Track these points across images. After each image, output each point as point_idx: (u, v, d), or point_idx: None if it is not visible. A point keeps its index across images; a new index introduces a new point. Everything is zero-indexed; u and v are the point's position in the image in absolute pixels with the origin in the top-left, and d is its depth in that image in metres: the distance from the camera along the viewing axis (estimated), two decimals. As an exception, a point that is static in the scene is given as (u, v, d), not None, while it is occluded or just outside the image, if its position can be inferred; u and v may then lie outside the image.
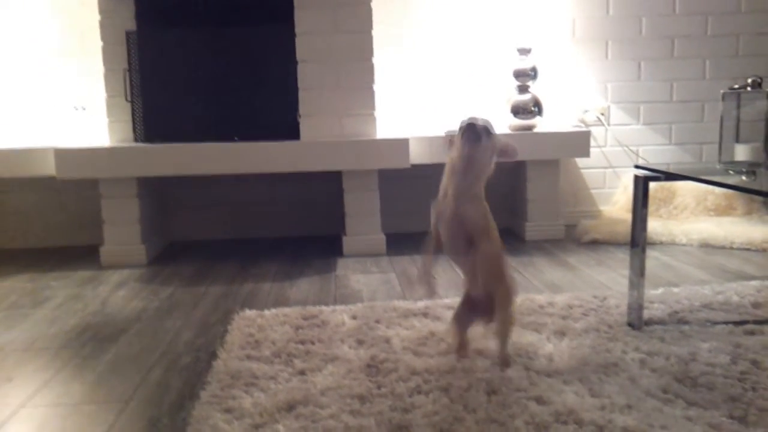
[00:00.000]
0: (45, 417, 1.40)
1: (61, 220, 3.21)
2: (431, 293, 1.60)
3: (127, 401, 1.46)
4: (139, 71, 2.84)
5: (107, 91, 2.87)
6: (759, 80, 2.14)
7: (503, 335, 1.55)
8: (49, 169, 2.78)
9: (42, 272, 2.67)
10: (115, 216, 2.80)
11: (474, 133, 1.48)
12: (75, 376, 1.61)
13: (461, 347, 1.61)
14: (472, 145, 1.48)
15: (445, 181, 1.53)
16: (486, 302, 1.56)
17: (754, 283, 2.17)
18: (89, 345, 1.82)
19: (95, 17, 2.83)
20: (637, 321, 1.77)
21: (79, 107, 3.15)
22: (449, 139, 1.55)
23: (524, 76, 3.10)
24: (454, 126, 1.54)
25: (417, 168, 2.86)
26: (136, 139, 2.88)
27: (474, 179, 1.50)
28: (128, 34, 2.82)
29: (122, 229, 2.80)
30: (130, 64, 2.83)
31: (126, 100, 2.85)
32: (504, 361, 1.52)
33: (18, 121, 3.14)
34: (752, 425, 1.23)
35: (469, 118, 1.50)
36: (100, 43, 2.84)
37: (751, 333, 1.70)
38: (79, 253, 2.98)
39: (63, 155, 2.71)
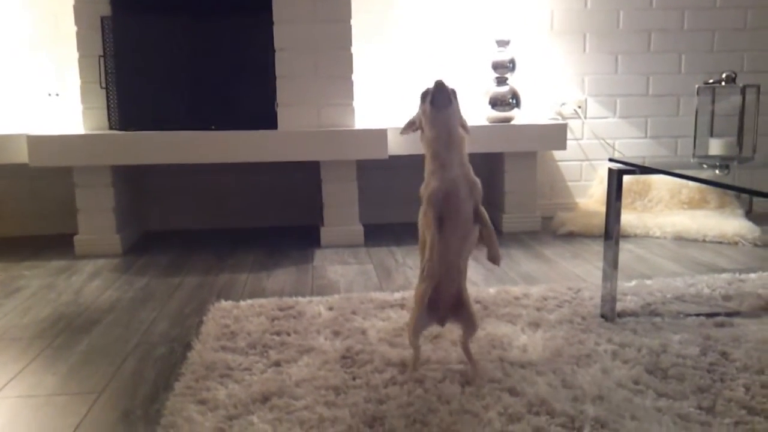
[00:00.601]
0: (16, 408, 1.38)
1: (34, 208, 3.17)
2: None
3: (100, 392, 1.45)
4: (114, 58, 2.80)
5: (82, 77, 2.83)
6: (733, 75, 2.16)
7: (475, 327, 1.49)
8: (22, 156, 2.73)
9: (15, 261, 2.63)
10: (89, 205, 2.77)
11: (445, 95, 1.41)
12: (47, 366, 1.59)
13: (419, 362, 1.49)
14: (446, 110, 1.40)
15: (434, 165, 1.40)
16: (450, 290, 1.44)
17: (725, 275, 2.20)
18: (62, 335, 1.80)
19: (69, 2, 2.78)
20: (610, 313, 1.79)
21: (53, 93, 3.10)
22: (410, 123, 1.47)
23: (502, 68, 3.10)
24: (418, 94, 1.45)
25: (395, 159, 2.86)
26: (111, 127, 2.84)
27: (461, 145, 1.41)
28: (103, 19, 2.77)
29: (97, 218, 2.77)
30: (105, 50, 2.79)
31: (101, 87, 2.81)
32: (475, 368, 1.47)
33: (-10, 108, 3.09)
34: (720, 415, 1.26)
35: (437, 81, 1.41)
36: (74, 29, 2.79)
37: (721, 325, 1.73)
38: (52, 243, 2.94)
39: (36, 142, 2.67)
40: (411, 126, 1.49)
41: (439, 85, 1.41)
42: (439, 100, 1.41)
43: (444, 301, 1.45)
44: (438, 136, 1.40)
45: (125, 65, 2.81)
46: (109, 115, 2.84)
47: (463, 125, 1.45)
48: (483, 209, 1.42)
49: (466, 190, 1.39)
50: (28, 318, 1.95)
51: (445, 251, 1.40)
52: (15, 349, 1.71)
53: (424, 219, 1.42)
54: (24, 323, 1.91)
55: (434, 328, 1.55)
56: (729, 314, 1.81)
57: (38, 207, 3.16)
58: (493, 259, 1.42)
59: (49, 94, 3.09)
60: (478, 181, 1.42)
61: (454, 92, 1.44)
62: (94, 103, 2.84)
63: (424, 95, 1.44)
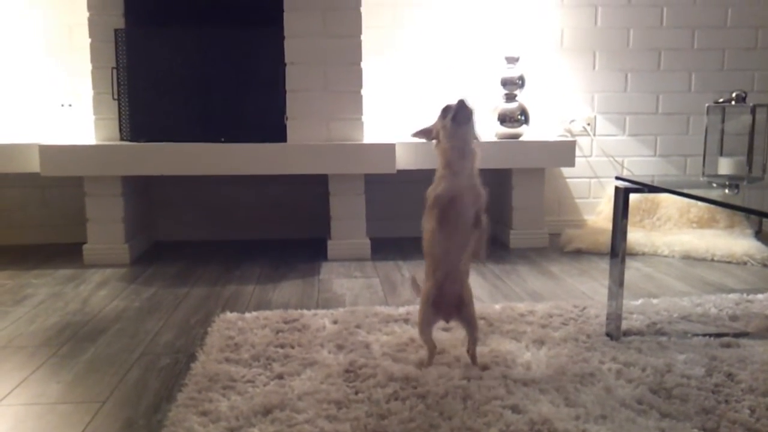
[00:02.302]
0: (20, 416, 1.39)
1: (45, 217, 3.19)
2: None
3: (104, 402, 1.45)
4: (127, 70, 2.83)
5: (94, 88, 2.86)
6: (743, 94, 2.16)
7: (477, 333, 1.60)
8: (34, 165, 2.76)
9: (23, 270, 2.65)
10: (99, 214, 2.79)
11: (466, 113, 1.51)
12: (52, 375, 1.60)
13: (434, 353, 1.59)
14: (466, 125, 1.51)
15: (446, 171, 1.51)
16: (452, 292, 1.55)
17: (732, 296, 2.19)
18: (68, 344, 1.81)
19: (84, 14, 2.82)
20: (615, 331, 1.78)
21: (66, 104, 3.13)
22: (426, 131, 1.58)
23: (511, 85, 3.11)
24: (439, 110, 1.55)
25: (403, 173, 2.87)
26: (122, 138, 2.87)
27: (473, 158, 1.52)
28: (117, 32, 2.81)
29: (106, 228, 2.79)
30: (117, 62, 2.82)
31: (113, 98, 2.84)
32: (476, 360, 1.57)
33: (3, 117, 3.12)
34: (724, 437, 1.25)
35: (459, 99, 1.52)
36: (88, 41, 2.83)
37: (728, 346, 1.72)
38: (61, 251, 2.96)
39: (48, 152, 2.69)
40: (426, 134, 1.59)
41: (462, 104, 1.52)
42: (461, 117, 1.52)
43: (447, 300, 1.55)
44: (454, 147, 1.51)
45: (137, 77, 2.84)
46: (120, 126, 2.87)
47: (476, 141, 1.55)
48: (484, 217, 1.52)
49: (471, 198, 1.51)
50: (34, 326, 1.96)
51: (446, 255, 1.52)
52: (20, 357, 1.72)
53: (426, 217, 1.53)
54: (31, 331, 1.92)
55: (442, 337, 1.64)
56: (736, 335, 1.80)
57: (48, 216, 3.19)
58: (476, 255, 1.53)
59: (62, 105, 3.13)
60: (483, 192, 1.52)
61: (472, 111, 1.53)
62: (105, 114, 2.87)
63: (446, 110, 1.55)
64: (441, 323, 1.65)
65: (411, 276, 1.93)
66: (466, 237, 1.51)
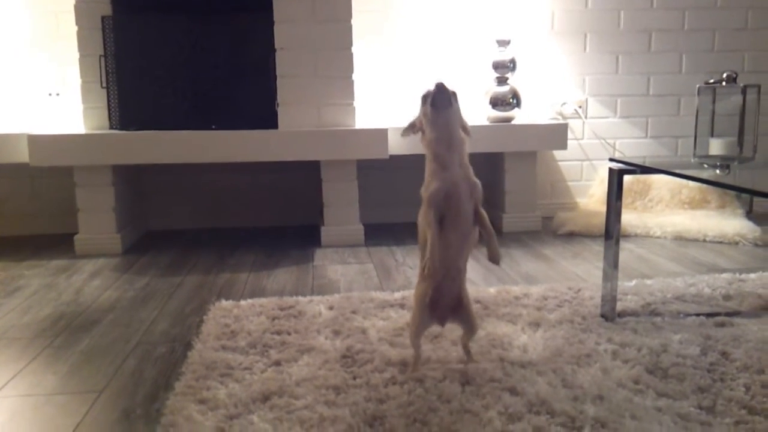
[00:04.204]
0: (16, 408, 1.38)
1: (35, 208, 3.17)
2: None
3: (101, 392, 1.45)
4: (115, 57, 2.80)
5: (82, 77, 2.83)
6: (734, 75, 2.16)
7: (475, 328, 1.51)
8: (23, 156, 2.73)
9: (15, 261, 2.63)
10: (89, 204, 2.77)
11: (446, 96, 1.41)
12: (48, 366, 1.59)
13: (420, 363, 1.49)
14: (446, 111, 1.40)
15: (435, 165, 1.40)
16: (452, 290, 1.45)
17: (725, 275, 2.20)
18: (63, 335, 1.80)
19: (70, 2, 2.78)
20: (610, 313, 1.79)
21: (54, 93, 3.10)
22: (411, 125, 1.47)
23: (503, 68, 3.10)
24: (418, 96, 1.45)
25: (395, 158, 2.87)
26: (111, 127, 2.84)
27: (461, 146, 1.41)
28: (104, 19, 2.77)
29: (97, 218, 2.77)
30: (105, 49, 2.79)
31: (101, 86, 2.81)
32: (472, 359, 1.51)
33: (-10, 107, 3.09)
34: (720, 415, 1.26)
35: (437, 83, 1.41)
36: (75, 28, 2.79)
37: (722, 325, 1.73)
38: (53, 242, 2.94)
39: (36, 142, 2.67)
40: (412, 128, 1.49)
41: (440, 87, 1.42)
42: (440, 101, 1.41)
43: (444, 302, 1.45)
44: (439, 137, 1.41)
45: (126, 65, 2.81)
46: (109, 114, 2.84)
47: (464, 127, 1.45)
48: (483, 210, 1.43)
49: (467, 190, 1.40)
50: (28, 317, 1.95)
51: (445, 251, 1.40)
52: (15, 349, 1.71)
53: (423, 219, 1.41)
54: (24, 322, 1.91)
55: (435, 328, 1.56)
56: (729, 314, 1.81)
57: (39, 206, 3.17)
58: (493, 259, 1.44)
59: (50, 94, 3.10)
60: (478, 182, 1.42)
61: (454, 94, 1.44)
62: (94, 103, 2.84)
63: (425, 97, 1.44)
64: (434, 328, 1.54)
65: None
66: (465, 233, 1.41)
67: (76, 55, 2.81)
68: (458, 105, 1.44)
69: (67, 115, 3.05)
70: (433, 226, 1.37)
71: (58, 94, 3.09)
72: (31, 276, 2.41)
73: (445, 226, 1.39)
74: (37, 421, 1.33)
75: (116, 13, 2.79)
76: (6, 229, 3.15)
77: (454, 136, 1.41)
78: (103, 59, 2.80)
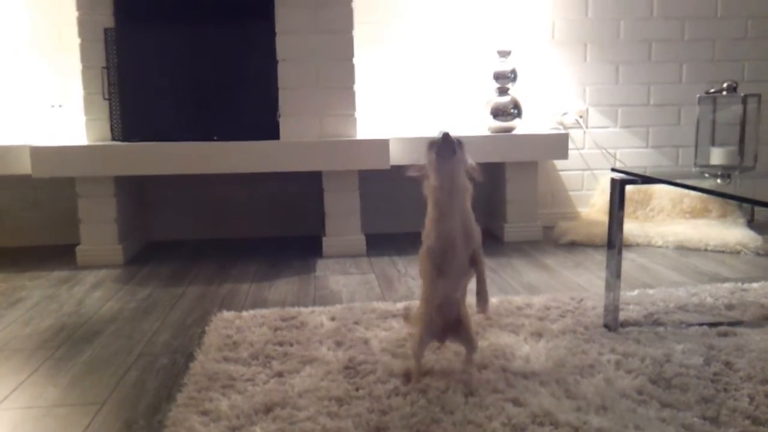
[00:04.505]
0: (18, 420, 1.38)
1: (37, 219, 3.17)
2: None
3: (103, 403, 1.44)
4: (118, 69, 2.81)
5: (85, 88, 2.84)
6: (734, 84, 2.16)
7: (475, 346, 1.55)
8: (25, 167, 2.74)
9: (17, 272, 2.63)
10: (91, 215, 2.77)
11: (450, 145, 1.43)
12: (49, 377, 1.59)
13: (420, 375, 1.52)
14: (450, 160, 1.42)
15: (435, 214, 1.44)
16: (449, 318, 1.50)
17: (727, 285, 2.20)
18: (64, 346, 1.80)
19: (73, 14, 2.79)
20: (613, 323, 1.79)
21: (56, 105, 3.11)
22: (419, 167, 1.48)
23: (504, 79, 3.11)
24: (426, 144, 1.46)
25: (397, 169, 2.86)
26: (113, 138, 2.85)
27: (463, 196, 1.44)
28: (106, 31, 2.79)
29: (99, 229, 2.77)
30: (108, 61, 2.80)
31: (104, 98, 2.82)
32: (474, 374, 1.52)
33: (-7, 119, 3.10)
34: (724, 425, 1.25)
35: (442, 132, 1.44)
36: (77, 40, 2.81)
37: (725, 335, 1.73)
38: (54, 253, 2.94)
39: (39, 153, 2.67)
40: (419, 170, 1.49)
41: (445, 137, 1.44)
42: (444, 151, 1.43)
43: (445, 322, 1.50)
44: (441, 185, 1.44)
45: (128, 76, 2.82)
46: (111, 126, 2.85)
47: (471, 174, 1.47)
48: (480, 257, 1.47)
49: (463, 241, 1.44)
50: (29, 329, 1.95)
51: (443, 287, 1.47)
52: (17, 360, 1.71)
53: (422, 264, 1.48)
54: (26, 334, 1.90)
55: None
56: (732, 324, 1.81)
57: (41, 217, 3.17)
58: (482, 310, 1.48)
59: (52, 106, 3.11)
60: (477, 229, 1.46)
61: (459, 142, 1.45)
62: (96, 114, 2.85)
63: (431, 145, 1.46)
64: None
65: (404, 311, 1.89)
66: (460, 276, 1.47)
67: (79, 66, 2.82)
68: (463, 153, 1.46)
69: (70, 126, 3.06)
70: (431, 277, 1.46)
71: (60, 106, 3.10)
72: (32, 287, 2.41)
73: (442, 271, 1.45)
74: (38, 433, 1.32)
75: (119, 25, 2.80)
76: (8, 240, 3.15)
77: (456, 184, 1.44)
78: (105, 71, 2.81)
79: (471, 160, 1.48)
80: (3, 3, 3.06)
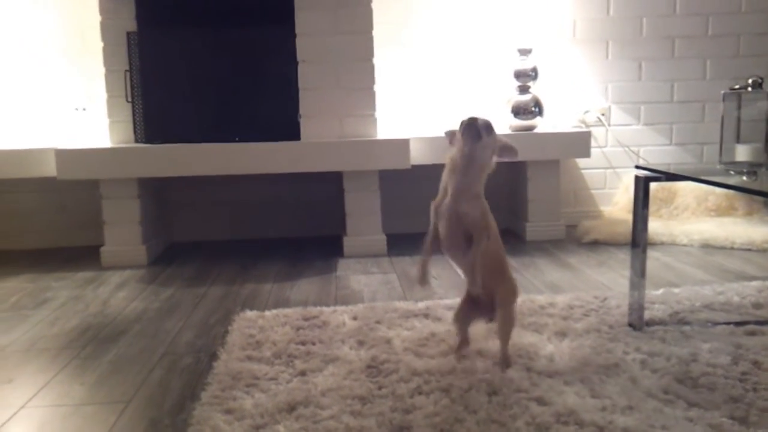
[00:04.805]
0: (45, 418, 1.40)
1: (62, 220, 3.21)
2: (428, 291, 1.60)
3: (128, 402, 1.46)
4: (140, 72, 2.84)
5: (108, 91, 2.87)
6: (760, 80, 2.13)
7: (504, 335, 1.55)
8: (50, 169, 2.78)
9: (43, 273, 2.67)
10: (115, 217, 2.80)
11: (475, 130, 1.48)
12: (75, 376, 1.61)
13: (462, 346, 1.61)
14: (473, 143, 1.48)
15: (445, 179, 1.52)
16: (487, 301, 1.56)
17: (754, 283, 2.17)
18: (90, 346, 1.82)
19: (96, 18, 2.83)
20: (637, 321, 1.77)
21: (80, 108, 3.15)
22: (450, 137, 1.55)
23: (525, 77, 3.10)
24: (455, 125, 1.53)
25: (417, 168, 2.86)
26: (136, 140, 2.88)
27: (474, 177, 1.50)
28: (129, 34, 2.82)
29: (123, 230, 2.80)
30: (131, 64, 2.83)
31: (127, 100, 2.85)
32: (505, 361, 1.52)
33: (18, 122, 3.14)
34: (753, 426, 1.23)
35: (470, 117, 1.50)
36: (100, 44, 2.84)
37: (752, 333, 1.70)
38: (79, 254, 2.98)
39: (64, 156, 2.71)
40: (450, 135, 1.56)
41: (470, 121, 1.49)
42: (468, 134, 1.49)
43: (476, 302, 1.58)
44: (456, 160, 1.51)
45: (150, 79, 2.85)
46: (135, 128, 2.88)
47: (503, 153, 1.54)
48: (478, 236, 1.49)
49: (453, 220, 1.50)
50: (56, 328, 1.98)
51: (461, 270, 1.56)
52: (44, 359, 1.73)
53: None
54: (52, 334, 1.93)
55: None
56: (759, 323, 1.78)
57: (66, 219, 3.21)
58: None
59: (76, 109, 3.15)
60: (470, 213, 1.48)
61: (487, 128, 1.50)
62: (120, 117, 2.88)
63: (461, 124, 1.52)
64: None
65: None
66: (458, 255, 1.53)
67: (102, 70, 2.86)
68: (491, 138, 1.51)
69: (94, 129, 3.10)
70: (431, 228, 1.54)
71: (84, 109, 3.14)
72: (58, 288, 2.44)
73: (441, 240, 1.53)
74: (65, 431, 1.34)
75: (141, 28, 2.83)
76: (34, 241, 3.20)
77: (472, 164, 1.49)
78: (128, 74, 2.84)
79: (505, 141, 1.55)
80: (28, 7, 3.11)
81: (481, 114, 1.54)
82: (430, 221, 1.56)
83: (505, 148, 1.54)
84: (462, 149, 1.49)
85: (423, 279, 1.57)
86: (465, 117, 1.51)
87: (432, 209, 1.54)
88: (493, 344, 1.60)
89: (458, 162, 1.50)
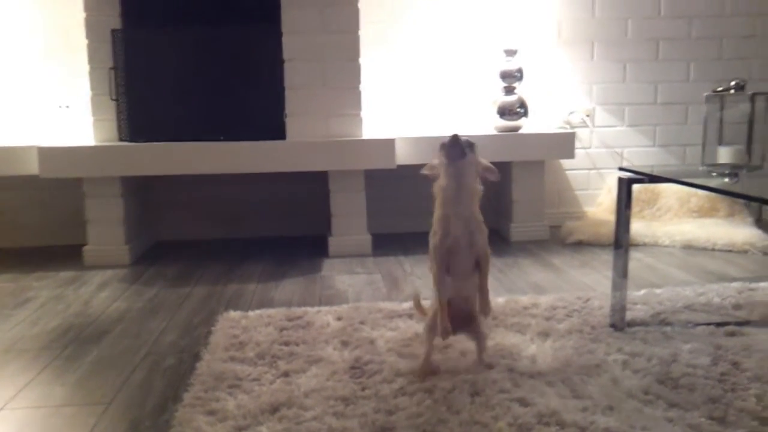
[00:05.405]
0: (25, 419, 1.38)
1: (44, 219, 3.18)
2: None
3: (109, 403, 1.45)
4: (125, 70, 2.82)
5: (92, 89, 2.85)
6: (742, 83, 2.15)
7: (485, 343, 1.57)
8: (32, 168, 2.75)
9: (24, 272, 2.65)
10: (98, 216, 2.78)
11: (459, 148, 1.45)
12: (56, 377, 1.60)
13: (433, 369, 1.54)
14: (459, 161, 1.45)
15: (441, 213, 1.48)
16: (462, 315, 1.54)
17: (735, 284, 2.19)
18: (71, 346, 1.81)
19: (80, 14, 2.80)
20: (619, 322, 1.78)
21: (64, 105, 3.12)
22: (431, 167, 1.51)
23: (510, 78, 3.11)
24: (440, 133, 1.52)
25: (403, 168, 2.86)
26: (121, 138, 2.86)
27: (470, 199, 1.47)
28: (114, 32, 2.80)
29: (106, 229, 2.78)
30: (115, 62, 2.81)
31: (111, 98, 2.83)
32: (487, 365, 1.54)
33: (1, 119, 3.11)
34: (731, 426, 1.25)
35: (452, 135, 1.47)
36: (85, 41, 2.82)
37: (732, 334, 1.72)
38: (62, 253, 2.95)
39: (46, 154, 2.69)
40: (431, 169, 1.53)
41: (453, 139, 1.47)
42: (452, 153, 1.46)
43: (455, 314, 1.52)
44: (448, 186, 1.47)
45: (135, 77, 2.83)
46: (119, 126, 2.86)
47: (485, 175, 1.52)
48: (485, 264, 1.49)
49: (467, 245, 1.47)
50: (37, 329, 1.96)
51: (453, 283, 1.51)
52: (24, 360, 1.71)
53: (431, 262, 1.51)
54: (33, 334, 1.91)
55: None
56: (739, 323, 1.80)
57: (48, 218, 3.18)
58: (483, 312, 1.52)
59: (60, 106, 3.12)
60: (483, 235, 1.49)
61: (470, 145, 1.48)
62: (104, 115, 2.86)
63: (441, 146, 1.49)
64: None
65: (414, 295, 1.90)
66: (466, 278, 1.51)
67: (86, 67, 2.83)
68: (474, 155, 1.49)
69: (77, 127, 3.07)
70: (436, 273, 1.49)
71: (68, 107, 3.11)
72: (39, 287, 2.42)
73: (451, 270, 1.49)
74: (46, 432, 1.33)
75: (126, 26, 2.81)
76: (15, 240, 3.17)
77: (463, 186, 1.47)
78: (112, 72, 2.82)
79: (485, 161, 1.52)
80: (11, 4, 3.08)
81: (462, 132, 1.52)
82: (436, 292, 1.51)
83: (486, 168, 1.52)
84: (448, 172, 1.46)
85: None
86: (445, 139, 1.48)
87: (441, 248, 1.47)
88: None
89: (449, 188, 1.46)
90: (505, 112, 3.09)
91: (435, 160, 1.51)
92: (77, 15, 2.83)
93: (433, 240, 1.49)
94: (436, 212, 1.50)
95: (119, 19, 2.81)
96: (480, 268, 1.49)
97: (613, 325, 1.79)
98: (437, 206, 1.50)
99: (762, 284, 2.18)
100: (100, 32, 2.80)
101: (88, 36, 2.81)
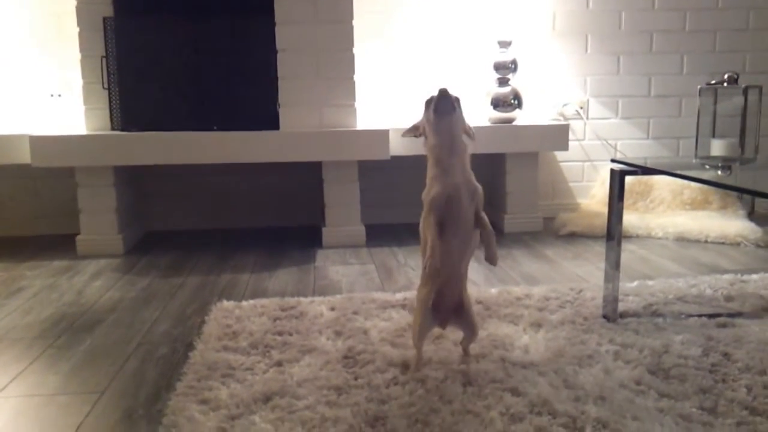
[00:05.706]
0: (18, 408, 1.38)
1: (37, 208, 3.17)
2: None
3: (102, 392, 1.45)
4: (117, 58, 2.80)
5: (84, 78, 2.83)
6: (735, 76, 2.16)
7: (475, 336, 1.54)
8: (24, 156, 2.73)
9: (17, 262, 2.64)
10: (91, 205, 2.77)
11: (448, 101, 1.42)
12: (49, 366, 1.59)
13: (421, 363, 1.50)
14: (449, 116, 1.42)
15: (436, 171, 1.41)
16: (450, 305, 1.48)
17: (727, 276, 2.20)
18: (65, 335, 1.80)
19: (72, 3, 2.78)
20: (612, 313, 1.79)
21: (55, 94, 3.10)
22: (414, 128, 1.48)
23: (504, 69, 3.10)
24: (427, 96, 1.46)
25: (397, 159, 2.87)
26: (113, 128, 2.85)
27: (463, 152, 1.43)
28: (105, 20, 2.78)
29: (99, 219, 2.77)
30: (107, 51, 2.79)
31: (103, 87, 2.81)
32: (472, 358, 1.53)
33: (-8, 108, 3.09)
34: (722, 416, 1.26)
35: (441, 89, 1.42)
36: (76, 30, 2.80)
37: (723, 326, 1.73)
38: (54, 243, 2.94)
39: (38, 143, 2.67)
40: (414, 130, 1.51)
41: (443, 93, 1.43)
42: (442, 107, 1.43)
43: (446, 305, 1.48)
44: (440, 142, 1.43)
45: (127, 66, 2.82)
46: (111, 115, 2.84)
47: (468, 131, 1.48)
48: (484, 214, 1.44)
49: (468, 195, 1.41)
50: (30, 318, 1.95)
51: (447, 256, 1.42)
52: (17, 349, 1.71)
53: (425, 223, 1.43)
54: (26, 323, 1.91)
55: (437, 329, 1.57)
56: (731, 315, 1.81)
57: (40, 207, 3.17)
58: (490, 259, 1.44)
59: (52, 95, 3.10)
60: (479, 187, 1.44)
61: (457, 100, 1.45)
62: (96, 104, 2.85)
63: (428, 102, 1.46)
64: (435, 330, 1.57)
65: (406, 301, 1.86)
66: (466, 238, 1.42)
67: (78, 56, 2.82)
68: (461, 110, 1.46)
69: (69, 116, 3.05)
70: (434, 230, 1.39)
71: (59, 95, 3.09)
72: (32, 277, 2.42)
73: (445, 231, 1.40)
74: (39, 421, 1.33)
75: (118, 14, 2.80)
76: (8, 229, 3.15)
77: (456, 141, 1.43)
78: (104, 60, 2.80)
79: (465, 119, 1.47)
80: (2, -8, 3.05)
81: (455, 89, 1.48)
82: (428, 226, 1.41)
83: (468, 129, 1.48)
84: (438, 127, 1.42)
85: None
86: (432, 92, 1.44)
87: (437, 202, 1.39)
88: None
89: (444, 143, 1.41)
90: (498, 103, 3.09)
91: (417, 121, 1.48)
92: (69, 2, 2.82)
93: (431, 192, 1.40)
94: (430, 171, 1.43)
95: (111, 7, 2.79)
96: (480, 220, 1.42)
97: (605, 316, 1.80)
98: (430, 166, 1.43)
99: (754, 276, 2.19)
100: (91, 20, 2.78)
101: (79, 24, 2.79)
